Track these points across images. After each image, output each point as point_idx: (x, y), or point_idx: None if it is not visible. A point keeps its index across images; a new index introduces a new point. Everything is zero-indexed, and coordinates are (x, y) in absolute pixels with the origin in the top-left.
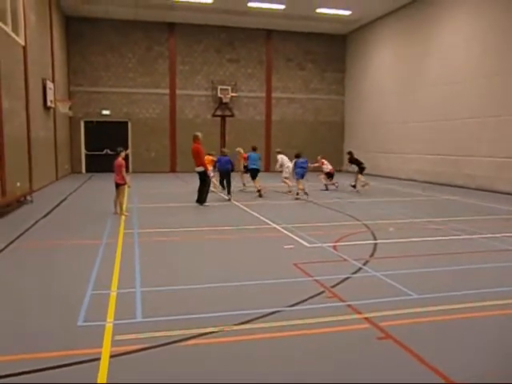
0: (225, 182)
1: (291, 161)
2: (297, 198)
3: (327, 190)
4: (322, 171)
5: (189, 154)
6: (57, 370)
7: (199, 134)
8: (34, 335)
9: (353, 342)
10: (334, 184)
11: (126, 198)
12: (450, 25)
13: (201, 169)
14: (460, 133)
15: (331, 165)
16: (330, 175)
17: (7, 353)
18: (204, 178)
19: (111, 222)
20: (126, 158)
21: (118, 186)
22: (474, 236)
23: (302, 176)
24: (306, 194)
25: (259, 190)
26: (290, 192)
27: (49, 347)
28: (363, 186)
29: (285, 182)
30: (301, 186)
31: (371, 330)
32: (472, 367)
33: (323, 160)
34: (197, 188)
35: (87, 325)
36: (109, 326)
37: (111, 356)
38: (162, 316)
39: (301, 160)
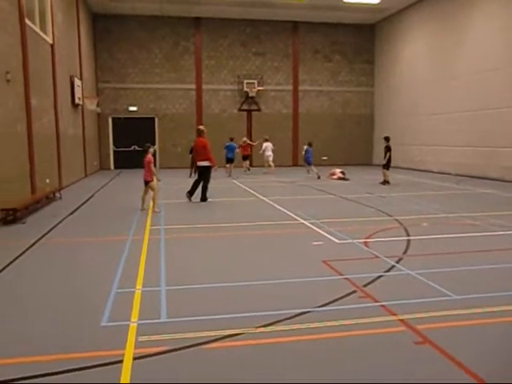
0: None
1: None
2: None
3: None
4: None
5: (215, 148)
6: (77, 372)
7: (204, 128)
8: (56, 335)
9: (388, 346)
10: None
11: (157, 194)
12: (484, 11)
13: (206, 163)
14: (496, 123)
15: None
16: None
17: (24, 354)
18: (206, 174)
19: (138, 218)
20: (154, 154)
21: (146, 183)
22: None
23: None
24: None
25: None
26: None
27: (70, 348)
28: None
29: (269, 166)
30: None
31: (407, 333)
32: None
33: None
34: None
35: (111, 325)
36: (133, 326)
37: (134, 358)
38: (186, 316)
39: (310, 149)
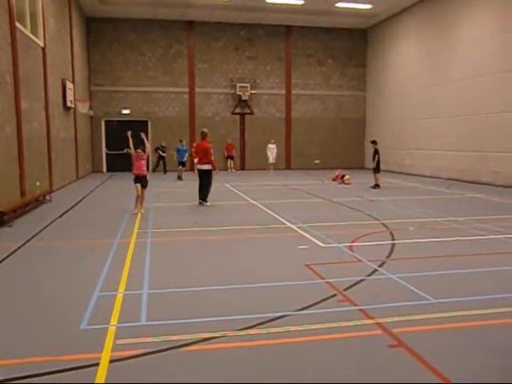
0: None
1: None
2: None
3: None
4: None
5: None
6: (51, 375)
7: (207, 131)
8: (34, 338)
9: (362, 349)
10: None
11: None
12: (475, 17)
13: (207, 167)
14: (486, 128)
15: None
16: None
17: (4, 356)
18: (208, 177)
19: (126, 221)
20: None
21: (143, 178)
22: (498, 236)
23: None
24: None
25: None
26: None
27: (48, 351)
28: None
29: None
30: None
31: (383, 336)
32: (492, 379)
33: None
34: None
35: (90, 328)
36: (112, 329)
37: (111, 361)
38: (166, 319)
39: None
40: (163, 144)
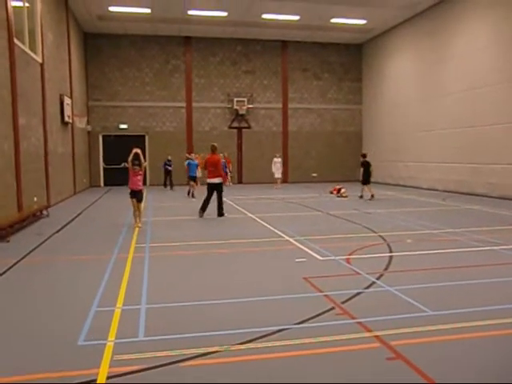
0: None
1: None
2: None
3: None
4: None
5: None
6: None
7: (217, 145)
8: (32, 354)
9: (360, 362)
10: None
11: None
12: (468, 30)
13: (218, 180)
14: (481, 140)
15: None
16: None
17: (0, 373)
18: (219, 190)
19: (124, 235)
20: (144, 172)
21: (139, 193)
22: (494, 247)
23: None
24: None
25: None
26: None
27: (45, 367)
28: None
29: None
30: None
31: (381, 349)
32: None
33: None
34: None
35: (88, 344)
36: (109, 345)
37: (108, 377)
38: (165, 334)
39: None
40: (169, 158)
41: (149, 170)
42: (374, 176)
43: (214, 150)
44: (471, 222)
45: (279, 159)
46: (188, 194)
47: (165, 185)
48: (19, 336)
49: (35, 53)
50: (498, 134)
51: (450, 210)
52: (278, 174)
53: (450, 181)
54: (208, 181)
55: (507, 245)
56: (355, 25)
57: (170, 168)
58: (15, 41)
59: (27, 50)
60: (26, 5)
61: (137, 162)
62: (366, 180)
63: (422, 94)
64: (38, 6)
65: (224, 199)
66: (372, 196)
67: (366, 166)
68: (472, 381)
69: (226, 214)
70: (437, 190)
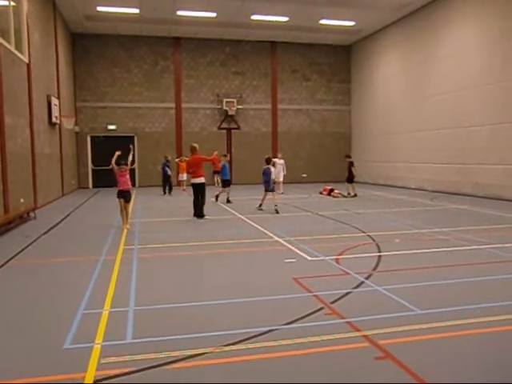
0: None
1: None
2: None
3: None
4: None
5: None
6: None
7: (197, 145)
8: (17, 359)
9: (349, 362)
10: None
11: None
12: (454, 32)
13: (201, 180)
14: (467, 141)
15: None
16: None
17: None
18: (202, 190)
19: (112, 237)
20: (133, 172)
21: (127, 193)
22: (481, 246)
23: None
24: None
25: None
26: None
27: (30, 372)
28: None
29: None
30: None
31: (370, 348)
32: None
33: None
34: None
35: (74, 347)
36: (96, 348)
37: (95, 381)
38: (152, 336)
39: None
40: (168, 158)
41: (138, 171)
42: (363, 176)
43: (193, 150)
44: (459, 222)
45: (281, 160)
46: (227, 201)
47: (164, 190)
48: (3, 340)
49: (21, 52)
50: (484, 135)
51: (438, 209)
52: (279, 178)
53: (438, 181)
54: (192, 181)
55: (494, 244)
56: (344, 26)
57: (169, 172)
58: (0, 40)
59: (13, 49)
60: (12, 4)
61: (123, 162)
62: (351, 179)
63: (410, 94)
64: (25, 5)
65: (212, 199)
66: (354, 195)
67: (350, 165)
68: (462, 379)
69: (206, 217)
70: (425, 190)
